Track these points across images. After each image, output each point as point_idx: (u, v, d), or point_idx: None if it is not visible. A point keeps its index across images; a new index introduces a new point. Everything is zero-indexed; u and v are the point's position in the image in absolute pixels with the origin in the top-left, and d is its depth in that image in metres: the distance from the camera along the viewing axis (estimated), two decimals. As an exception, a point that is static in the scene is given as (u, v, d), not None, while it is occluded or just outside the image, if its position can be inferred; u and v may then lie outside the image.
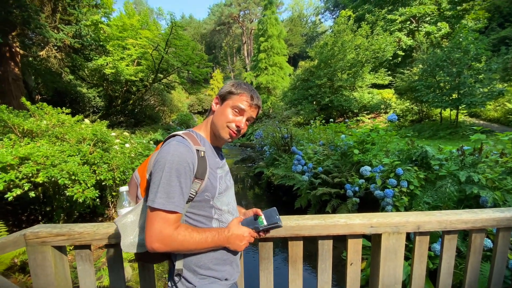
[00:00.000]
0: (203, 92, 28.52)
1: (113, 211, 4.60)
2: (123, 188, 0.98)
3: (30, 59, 10.84)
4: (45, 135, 3.30)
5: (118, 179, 3.24)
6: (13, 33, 9.22)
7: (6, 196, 2.44)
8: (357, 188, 4.00)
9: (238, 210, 1.14)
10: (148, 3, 52.71)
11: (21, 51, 9.93)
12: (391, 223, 1.18)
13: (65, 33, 9.87)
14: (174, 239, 0.82)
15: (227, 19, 40.85)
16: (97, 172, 3.08)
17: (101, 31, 11.63)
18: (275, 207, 1.00)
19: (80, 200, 2.71)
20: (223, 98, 0.99)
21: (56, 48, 10.59)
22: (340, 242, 1.37)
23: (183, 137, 0.91)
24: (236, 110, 0.97)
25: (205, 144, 0.99)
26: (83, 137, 3.40)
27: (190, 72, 15.70)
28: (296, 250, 1.27)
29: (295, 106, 16.23)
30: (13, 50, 9.82)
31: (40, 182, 2.57)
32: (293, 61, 36.15)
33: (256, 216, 0.99)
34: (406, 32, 18.24)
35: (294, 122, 15.32)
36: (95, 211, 4.39)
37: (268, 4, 23.15)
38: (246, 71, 31.14)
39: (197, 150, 0.91)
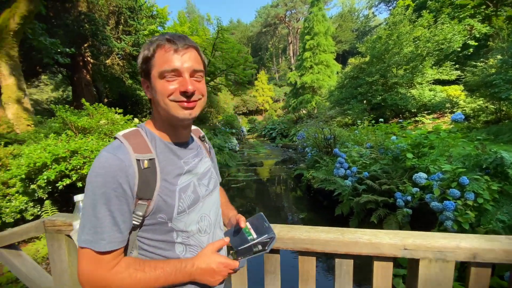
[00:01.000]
0: (248, 93, 29.06)
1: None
2: (78, 197, 0.86)
3: (100, 67, 12.47)
4: (96, 132, 3.63)
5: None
6: (85, 45, 10.67)
7: (57, 185, 2.72)
8: (409, 198, 3.47)
9: (226, 214, 0.94)
10: (200, 11, 56.21)
11: (92, 60, 11.44)
12: (433, 247, 0.88)
13: (126, 43, 11.05)
14: (110, 282, 0.63)
15: (273, 20, 40.96)
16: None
17: (157, 39, 12.71)
18: (261, 213, 0.77)
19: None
20: (145, 73, 0.70)
21: (118, 56, 11.94)
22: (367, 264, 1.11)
23: (121, 142, 0.68)
24: (167, 74, 0.66)
25: (156, 145, 0.72)
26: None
27: (235, 74, 16.13)
28: (307, 267, 1.06)
29: (341, 105, 15.30)
30: (85, 59, 11.39)
31: (85, 173, 2.80)
32: (342, 58, 34.32)
33: (239, 228, 0.75)
34: (480, 18, 15.62)
35: (340, 122, 14.44)
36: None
37: (315, 1, 22.38)
38: (291, 71, 30.71)
39: (138, 160, 0.66)
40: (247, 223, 0.77)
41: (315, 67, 22.25)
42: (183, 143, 0.78)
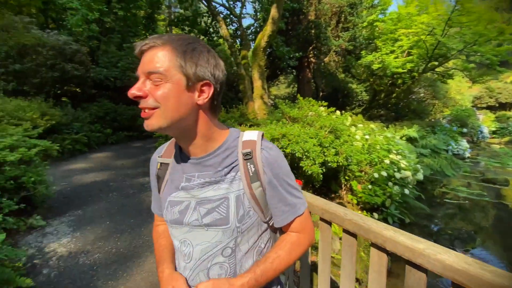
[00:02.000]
0: (502, 79, 20.29)
1: (344, 192, 5.08)
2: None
3: (319, 65, 14.36)
4: (302, 121, 4.38)
5: (340, 163, 3.55)
6: (310, 48, 12.63)
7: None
8: None
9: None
10: (439, -19, 45.68)
11: (313, 60, 13.37)
12: None
13: (343, 39, 11.74)
14: (154, 232, 0.87)
15: None
16: (326, 153, 3.60)
17: (376, 29, 12.31)
18: None
19: (308, 172, 3.38)
20: None
21: (335, 53, 12.98)
22: None
23: (168, 142, 0.79)
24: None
25: (175, 155, 0.73)
26: (324, 124, 4.07)
27: (480, 53, 11.85)
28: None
29: None
30: (309, 60, 13.51)
31: (288, 152, 3.55)
32: None
33: None
34: None
35: None
36: (329, 188, 5.12)
37: None
38: None
39: (158, 162, 0.76)
40: None
41: None
42: (200, 158, 0.68)
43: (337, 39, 12.05)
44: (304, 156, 3.47)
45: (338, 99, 18.72)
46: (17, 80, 7.15)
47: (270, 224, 0.74)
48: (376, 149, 5.03)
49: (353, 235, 1.20)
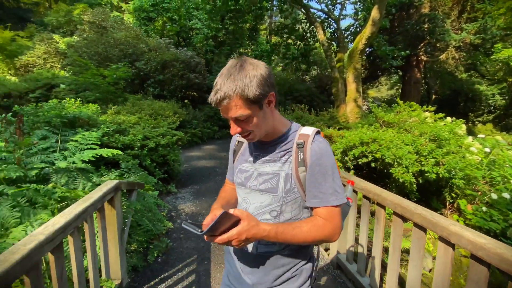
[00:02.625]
0: None
1: (448, 212, 4.45)
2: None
3: (432, 64, 12.31)
4: (398, 126, 4.16)
5: (441, 175, 3.22)
6: (421, 45, 11.07)
7: (358, 160, 3.74)
8: None
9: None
10: None
11: (425, 58, 11.65)
12: None
13: (467, 32, 9.75)
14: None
15: None
16: (423, 162, 3.36)
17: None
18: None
19: (400, 180, 3.26)
20: None
21: (455, 49, 10.87)
22: None
23: None
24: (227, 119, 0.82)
25: None
26: (424, 131, 3.76)
27: None
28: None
29: None
30: (418, 58, 11.85)
31: (378, 157, 3.52)
32: None
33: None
34: None
35: None
36: (429, 204, 4.57)
37: None
38: None
39: (237, 139, 1.01)
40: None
41: None
42: (265, 143, 0.89)
43: (459, 32, 10.12)
44: (396, 163, 3.36)
45: (459, 103, 15.56)
46: (160, 87, 9.60)
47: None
48: (502, 166, 4.14)
49: (422, 228, 1.32)
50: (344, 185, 0.95)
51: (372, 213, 2.71)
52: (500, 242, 0.97)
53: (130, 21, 14.16)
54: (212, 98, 0.75)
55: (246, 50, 17.12)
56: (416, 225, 1.35)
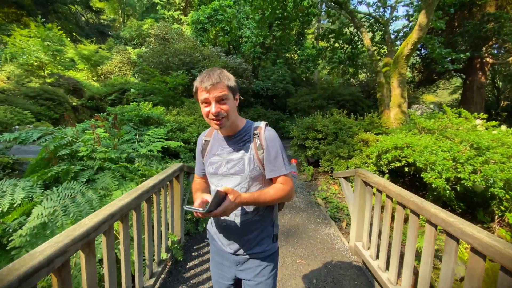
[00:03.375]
0: None
1: (496, 226, 4.20)
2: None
3: (500, 66, 10.97)
4: (437, 133, 4.14)
5: (477, 182, 3.19)
6: (485, 46, 10.02)
7: (391, 164, 3.87)
8: None
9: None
10: None
11: (490, 60, 10.49)
12: None
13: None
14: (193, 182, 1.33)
15: None
16: (459, 169, 3.36)
17: None
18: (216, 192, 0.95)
19: (433, 185, 3.33)
20: (196, 100, 1.09)
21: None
22: None
23: (206, 130, 1.28)
24: (204, 103, 1.02)
25: (214, 135, 1.20)
26: (466, 139, 3.71)
27: None
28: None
29: None
30: (483, 60, 10.71)
31: (410, 161, 3.62)
32: None
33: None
34: None
35: None
36: (475, 217, 4.36)
37: None
38: None
39: (203, 139, 1.23)
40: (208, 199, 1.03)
41: None
42: (228, 137, 1.14)
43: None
44: (429, 168, 3.43)
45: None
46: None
47: (268, 178, 1.13)
48: None
49: (415, 213, 1.61)
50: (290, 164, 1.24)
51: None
52: (467, 222, 1.25)
53: (188, 32, 15.84)
54: (205, 82, 0.98)
55: (292, 55, 17.52)
56: (411, 211, 1.64)
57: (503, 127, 4.90)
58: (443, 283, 1.32)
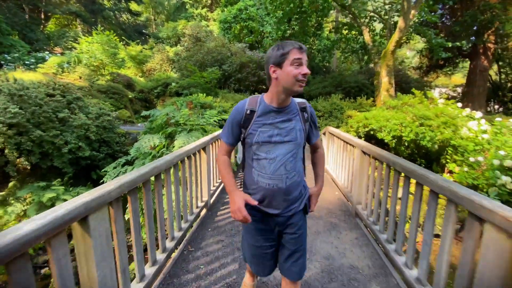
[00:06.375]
0: None
1: (447, 174, 6.00)
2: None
3: (501, 51, 11.76)
4: (397, 109, 5.98)
5: (408, 138, 5.10)
6: (488, 32, 10.99)
7: (363, 129, 5.84)
8: None
9: (315, 173, 1.45)
10: None
11: (491, 46, 11.42)
12: None
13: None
14: (218, 160, 1.35)
15: None
16: (402, 130, 5.27)
17: None
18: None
19: (385, 140, 5.29)
20: (278, 63, 1.13)
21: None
22: None
23: (246, 100, 1.27)
24: (296, 63, 1.10)
25: (258, 105, 1.23)
26: (413, 112, 5.55)
27: None
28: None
29: None
30: (486, 45, 11.65)
31: (372, 127, 5.57)
32: None
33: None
34: None
35: None
36: (432, 169, 6.18)
37: None
38: None
39: (247, 109, 1.23)
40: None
41: None
42: (281, 108, 1.22)
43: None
44: (383, 130, 5.37)
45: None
46: (238, 83, 12.85)
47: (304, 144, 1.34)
48: (499, 142, 5.31)
49: (380, 161, 3.71)
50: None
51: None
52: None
53: (215, 30, 17.99)
54: (300, 46, 1.11)
55: (309, 45, 18.97)
56: (378, 160, 3.70)
57: (457, 105, 6.52)
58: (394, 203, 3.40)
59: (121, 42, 16.72)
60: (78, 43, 15.47)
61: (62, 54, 17.44)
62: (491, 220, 1.11)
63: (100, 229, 1.21)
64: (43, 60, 14.76)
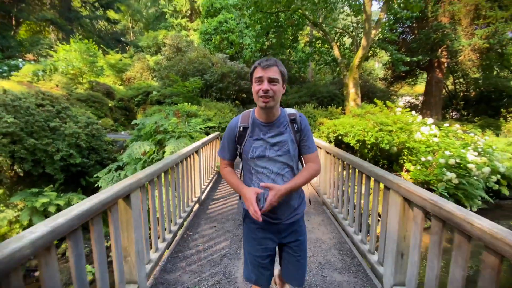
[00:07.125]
0: None
1: (404, 172, 6.93)
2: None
3: (453, 65, 13.48)
4: (361, 117, 6.87)
5: (370, 141, 5.95)
6: (440, 48, 12.57)
7: (333, 135, 6.65)
8: None
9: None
10: None
11: (445, 60, 13.05)
12: None
13: (478, 37, 11.10)
14: (221, 173, 1.42)
15: None
16: (365, 135, 6.12)
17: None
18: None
19: (351, 144, 6.10)
20: (250, 81, 1.25)
21: (472, 51, 12.10)
22: None
23: (239, 116, 1.34)
24: (258, 81, 1.17)
25: (250, 121, 1.29)
26: (373, 119, 6.45)
27: None
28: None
29: None
30: (440, 60, 13.27)
31: (339, 133, 6.39)
32: None
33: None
34: None
35: None
36: (393, 169, 7.11)
37: None
38: None
39: (240, 126, 1.30)
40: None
41: None
42: (269, 123, 1.27)
43: (472, 37, 11.48)
44: (348, 135, 6.19)
45: (492, 100, 15.93)
46: (219, 92, 13.40)
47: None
48: (445, 144, 6.32)
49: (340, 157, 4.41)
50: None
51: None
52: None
53: (195, 39, 18.46)
54: (263, 62, 1.16)
55: (287, 57, 20.10)
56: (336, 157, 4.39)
57: (410, 113, 7.54)
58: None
59: (99, 51, 16.66)
60: (55, 51, 15.22)
61: (35, 61, 17.01)
62: (394, 188, 1.78)
63: (136, 204, 1.72)
64: (17, 68, 14.37)
